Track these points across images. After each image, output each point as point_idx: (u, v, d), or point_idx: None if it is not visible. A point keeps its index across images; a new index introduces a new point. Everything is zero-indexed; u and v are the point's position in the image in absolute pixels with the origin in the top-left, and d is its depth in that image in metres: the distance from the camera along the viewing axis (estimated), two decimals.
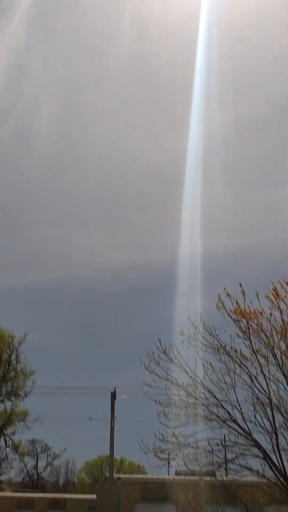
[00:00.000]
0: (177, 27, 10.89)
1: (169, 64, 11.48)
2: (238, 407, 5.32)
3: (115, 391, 12.40)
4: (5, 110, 12.87)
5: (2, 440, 16.06)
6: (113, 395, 12.40)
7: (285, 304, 5.21)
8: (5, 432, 15.87)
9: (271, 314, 5.36)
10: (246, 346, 5.36)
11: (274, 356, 5.31)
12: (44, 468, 23.48)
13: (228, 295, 5.43)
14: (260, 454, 5.15)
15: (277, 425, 5.16)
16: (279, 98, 10.98)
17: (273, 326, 5.36)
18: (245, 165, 11.73)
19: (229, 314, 5.42)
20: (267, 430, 5.15)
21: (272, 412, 5.18)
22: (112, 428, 11.58)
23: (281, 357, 5.26)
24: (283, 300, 5.35)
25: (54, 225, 15.39)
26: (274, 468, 5.07)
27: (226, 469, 5.42)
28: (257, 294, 5.36)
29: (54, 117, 13.48)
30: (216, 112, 11.80)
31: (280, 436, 5.07)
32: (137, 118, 12.76)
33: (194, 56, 10.52)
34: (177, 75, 11.55)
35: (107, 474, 10.91)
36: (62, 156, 13.90)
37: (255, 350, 5.32)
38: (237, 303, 5.35)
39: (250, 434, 5.18)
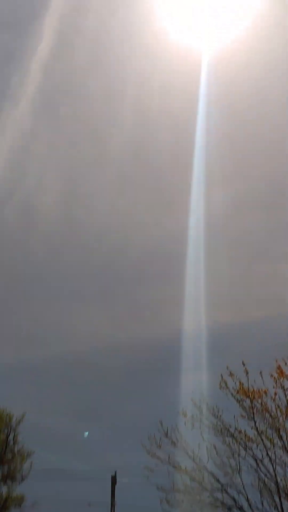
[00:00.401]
0: (176, 112, 11.44)
1: (169, 146, 11.97)
2: (244, 493, 5.16)
3: (115, 475, 11.87)
4: (9, 189, 13.28)
5: None
6: (114, 479, 11.85)
7: None
8: None
9: (275, 394, 5.30)
10: (251, 427, 5.25)
11: (280, 437, 5.20)
12: None
13: (231, 374, 5.40)
14: None
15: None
16: (277, 176, 11.35)
17: (278, 405, 5.29)
18: (245, 240, 11.97)
19: (232, 394, 5.36)
20: None
21: (280, 499, 5.00)
22: None
23: (287, 439, 5.15)
24: (287, 379, 5.32)
25: (55, 301, 15.45)
26: None
27: None
28: (260, 373, 5.32)
29: (58, 197, 13.88)
30: (215, 190, 12.17)
31: None
32: (138, 197, 13.16)
33: (193, 138, 11.01)
34: (177, 156, 12.01)
35: None
36: (65, 234, 14.19)
37: (260, 432, 5.22)
38: (240, 382, 5.31)
39: None
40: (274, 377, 5.29)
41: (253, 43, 10.82)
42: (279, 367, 5.32)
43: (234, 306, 13.03)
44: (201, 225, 11.89)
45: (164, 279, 14.01)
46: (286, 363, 5.31)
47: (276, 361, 5.27)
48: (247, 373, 5.24)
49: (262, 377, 5.30)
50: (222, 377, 5.47)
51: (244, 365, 5.29)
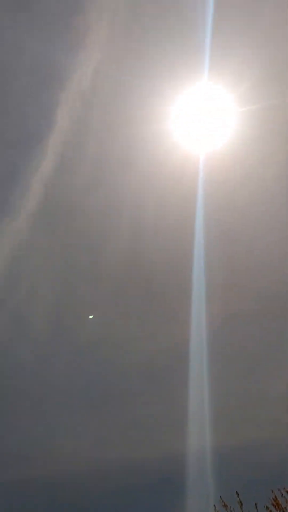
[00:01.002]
0: (173, 229, 11.79)
1: (166, 260, 12.17)
2: None
3: None
4: (1, 299, 13.24)
5: None
6: None
7: None
8: None
9: None
10: None
11: None
12: None
13: (225, 505, 5.01)
14: None
15: None
16: (268, 292, 11.45)
17: None
18: (240, 356, 11.76)
19: None
20: None
21: None
22: None
23: None
24: (283, 511, 4.93)
25: (41, 417, 14.78)
26: None
27: None
28: (255, 504, 4.93)
29: (50, 307, 13.83)
30: (207, 304, 12.18)
31: None
32: (132, 310, 13.11)
33: (191, 254, 11.23)
34: (172, 272, 12.16)
35: None
36: (55, 343, 13.95)
37: None
38: None
39: None
40: (270, 510, 4.90)
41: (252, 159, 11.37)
42: (275, 499, 4.95)
43: (237, 427, 12.47)
44: (193, 339, 11.78)
45: (157, 396, 13.54)
46: (282, 494, 4.94)
47: (272, 491, 4.90)
48: (241, 504, 4.84)
49: (257, 509, 4.92)
50: (215, 507, 5.09)
51: (238, 495, 4.91)
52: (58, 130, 10.79)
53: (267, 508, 4.82)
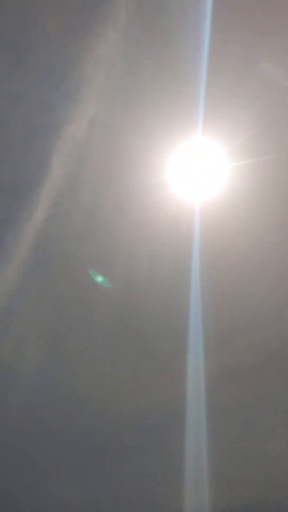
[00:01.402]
0: (168, 277, 11.69)
1: (158, 312, 12.00)
2: None
3: None
4: None
5: None
6: None
7: None
8: None
9: None
10: None
11: None
12: None
13: None
14: None
15: None
16: (266, 346, 11.30)
17: None
18: (238, 413, 11.47)
19: None
20: None
21: None
22: None
23: None
24: None
25: (26, 473, 14.17)
26: None
27: None
28: None
29: (39, 359, 13.50)
30: (204, 358, 11.96)
31: None
32: (124, 362, 12.81)
33: (185, 307, 11.11)
34: (165, 323, 11.97)
35: None
36: (43, 397, 13.52)
37: None
38: None
39: None
40: None
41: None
42: None
43: (235, 486, 12.01)
44: (185, 396, 11.50)
45: (151, 453, 13.12)
46: None
47: None
48: None
49: None
50: None
51: None
52: (52, 179, 10.85)
53: None
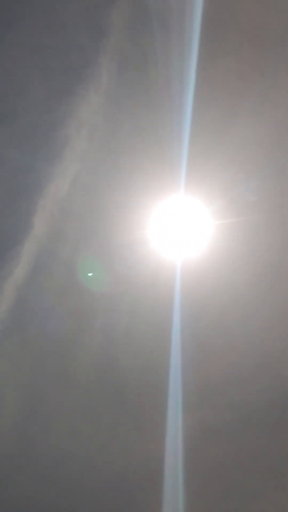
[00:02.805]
0: (148, 333, 11.68)
1: (137, 368, 11.92)
2: None
3: None
4: None
5: None
6: None
7: None
8: None
9: None
10: None
11: None
12: None
13: None
14: None
15: None
16: (246, 403, 11.24)
17: None
18: (218, 474, 11.24)
19: None
20: None
21: None
22: None
23: None
24: None
25: None
26: None
27: None
28: None
29: (15, 416, 13.17)
30: (183, 417, 11.82)
31: None
32: (103, 420, 12.56)
33: (165, 364, 11.08)
34: (145, 380, 11.87)
35: None
36: (19, 456, 13.12)
37: None
38: None
39: None
40: None
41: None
42: None
43: None
44: (173, 453, 11.31)
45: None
46: None
47: None
48: None
49: None
50: None
51: None
52: (34, 236, 10.88)
53: None
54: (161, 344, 11.50)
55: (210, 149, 11.07)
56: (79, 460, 13.03)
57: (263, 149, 11.04)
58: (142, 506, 11.83)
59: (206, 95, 11.10)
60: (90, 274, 11.77)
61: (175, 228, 11.37)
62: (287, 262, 10.96)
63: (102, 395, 12.43)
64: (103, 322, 12.17)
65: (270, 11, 10.32)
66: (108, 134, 10.56)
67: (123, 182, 10.97)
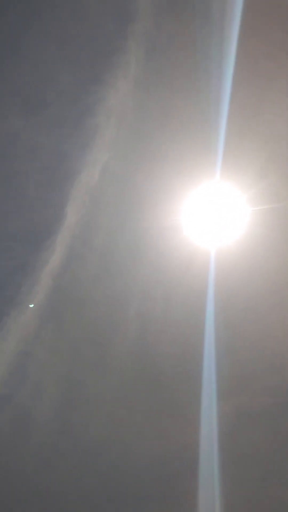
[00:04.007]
0: (183, 322, 11.66)
1: (172, 355, 11.92)
2: None
3: None
4: (7, 394, 12.87)
5: None
6: None
7: None
8: None
9: None
10: None
11: None
12: None
13: None
14: None
15: None
16: (283, 388, 11.11)
17: None
18: (254, 459, 11.17)
19: None
20: None
21: None
22: None
23: None
24: None
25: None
26: None
27: None
28: None
29: (55, 404, 13.41)
30: (219, 403, 11.78)
31: None
32: (139, 407, 12.64)
33: (201, 349, 11.04)
34: (180, 366, 11.87)
35: None
36: (60, 444, 13.35)
37: None
38: None
39: None
40: None
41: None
42: None
43: None
44: (203, 441, 11.28)
45: (168, 504, 12.76)
46: None
47: None
48: None
49: None
50: None
51: None
52: (67, 225, 10.98)
53: None
54: (195, 331, 11.46)
55: (246, 136, 10.89)
56: (117, 448, 13.17)
57: None
58: (180, 491, 11.86)
59: (241, 80, 10.86)
60: (123, 262, 11.79)
61: (210, 214, 11.24)
62: None
63: (138, 382, 12.50)
64: (137, 309, 12.23)
65: None
66: (138, 121, 10.53)
67: (155, 169, 10.93)
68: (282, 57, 10.62)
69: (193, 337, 11.70)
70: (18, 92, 9.94)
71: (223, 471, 11.44)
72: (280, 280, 11.15)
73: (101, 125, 9.92)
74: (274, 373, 11.32)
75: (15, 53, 9.41)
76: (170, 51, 10.27)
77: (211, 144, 10.39)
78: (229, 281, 11.46)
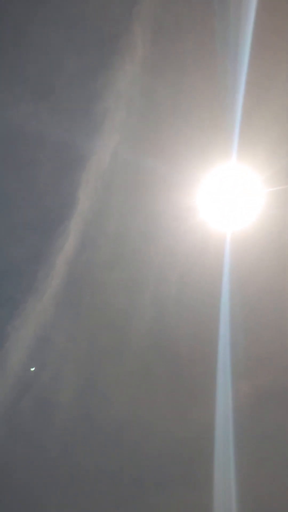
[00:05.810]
0: (198, 304, 11.65)
1: (190, 337, 11.95)
2: None
3: None
4: (27, 381, 13.05)
5: None
6: None
7: None
8: None
9: None
10: None
11: None
12: None
13: None
14: None
15: None
16: None
17: None
18: (271, 441, 11.18)
19: None
20: None
21: None
22: None
23: None
24: None
25: (66, 506, 14.12)
26: None
27: None
28: None
29: (75, 389, 13.56)
30: (238, 383, 11.79)
31: None
32: (158, 388, 12.72)
33: (216, 330, 11.04)
34: (198, 348, 11.90)
35: None
36: (81, 428, 13.52)
37: None
38: None
39: None
40: None
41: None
42: None
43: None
44: (225, 422, 11.31)
45: (188, 484, 12.88)
46: None
47: None
48: None
49: None
50: None
51: None
52: (79, 210, 10.98)
53: None
54: (212, 312, 11.45)
55: (261, 116, 10.72)
56: (138, 430, 13.29)
57: None
58: (200, 472, 11.95)
59: (253, 58, 10.65)
60: (137, 246, 11.78)
61: (225, 196, 11.14)
62: None
63: (156, 364, 12.57)
64: (153, 293, 12.25)
65: None
66: (148, 103, 10.42)
67: (167, 151, 10.83)
68: None
69: (210, 318, 11.70)
70: (25, 79, 9.90)
71: (241, 452, 11.50)
72: None
73: (111, 109, 9.85)
74: None
75: (22, 40, 9.37)
76: (177, 31, 10.12)
77: (225, 125, 10.24)
78: (245, 263, 11.40)
